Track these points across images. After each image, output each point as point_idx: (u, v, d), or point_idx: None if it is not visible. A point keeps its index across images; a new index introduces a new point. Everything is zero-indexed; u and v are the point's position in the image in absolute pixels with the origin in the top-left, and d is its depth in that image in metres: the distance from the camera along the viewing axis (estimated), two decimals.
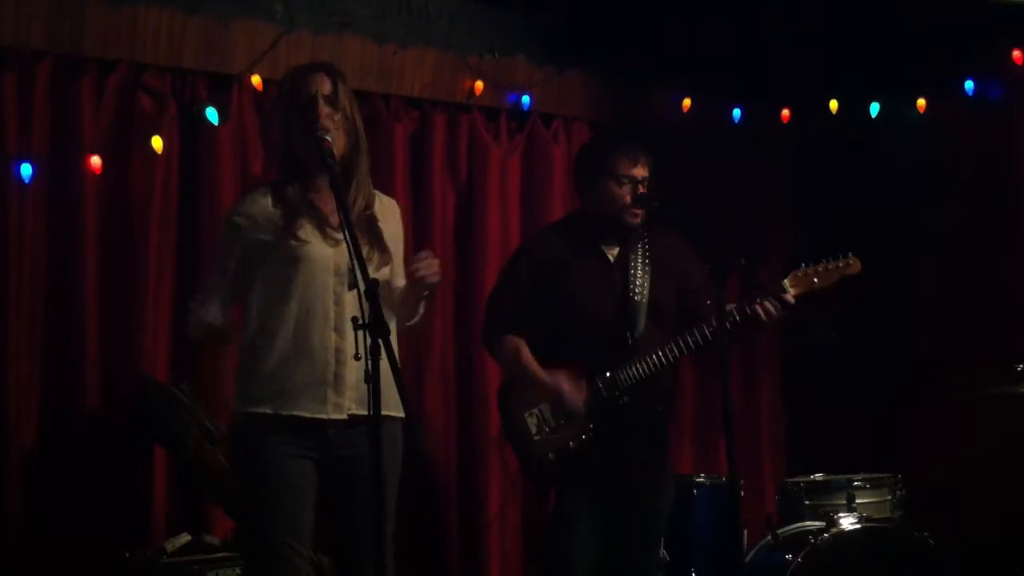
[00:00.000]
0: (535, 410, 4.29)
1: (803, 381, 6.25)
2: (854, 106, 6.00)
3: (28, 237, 4.61)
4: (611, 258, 4.39)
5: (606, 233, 4.39)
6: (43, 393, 4.62)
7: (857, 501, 4.81)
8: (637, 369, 4.25)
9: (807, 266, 4.32)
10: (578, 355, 4.28)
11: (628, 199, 4.30)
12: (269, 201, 3.58)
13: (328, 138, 3.47)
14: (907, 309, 6.00)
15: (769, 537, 4.83)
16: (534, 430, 4.29)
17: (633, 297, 4.33)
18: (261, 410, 3.53)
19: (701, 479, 4.95)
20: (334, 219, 3.52)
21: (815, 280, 4.29)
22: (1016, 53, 5.53)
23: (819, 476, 5.03)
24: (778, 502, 5.09)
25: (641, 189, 4.30)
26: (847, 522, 4.71)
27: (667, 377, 4.36)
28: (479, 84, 5.47)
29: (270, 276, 3.56)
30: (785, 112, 6.07)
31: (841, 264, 4.32)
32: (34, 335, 4.62)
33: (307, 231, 3.54)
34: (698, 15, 5.72)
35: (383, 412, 3.20)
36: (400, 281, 3.72)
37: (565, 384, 4.23)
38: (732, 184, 6.22)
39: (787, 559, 4.64)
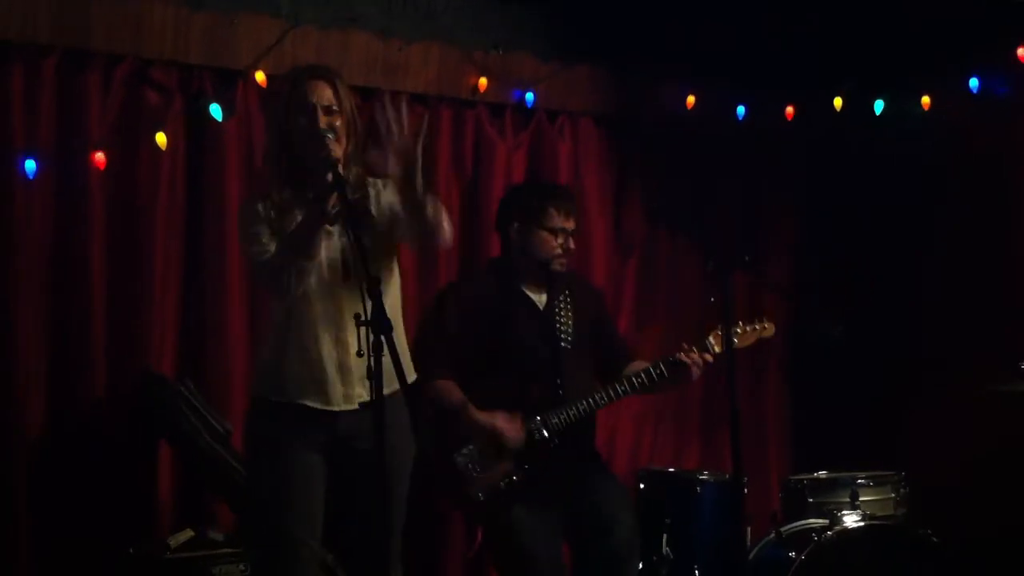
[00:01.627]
0: (465, 450, 4.36)
1: (807, 380, 6.26)
2: (857, 104, 6.00)
3: (35, 231, 4.62)
4: (540, 305, 4.57)
5: (532, 279, 4.58)
6: (49, 388, 4.63)
7: (861, 499, 4.79)
8: (568, 414, 4.42)
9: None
10: (508, 399, 4.39)
11: (560, 250, 4.54)
12: (262, 206, 3.60)
13: (330, 145, 3.45)
14: (907, 308, 6.00)
15: (773, 534, 4.83)
16: (464, 470, 4.36)
17: (562, 344, 4.52)
18: (272, 397, 3.58)
19: (705, 476, 4.95)
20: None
21: (735, 341, 4.51)
22: (1021, 51, 5.52)
23: (823, 474, 5.04)
24: (782, 499, 5.09)
25: (571, 240, 4.57)
26: (851, 520, 4.71)
27: (593, 418, 4.57)
28: (483, 80, 5.47)
29: None
30: (789, 110, 6.07)
31: (759, 327, 4.69)
32: (40, 330, 4.62)
33: None
34: (703, 12, 5.72)
35: (390, 389, 3.23)
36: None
37: (500, 421, 4.34)
38: (736, 180, 6.22)
39: (790, 556, 4.64)
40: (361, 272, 3.17)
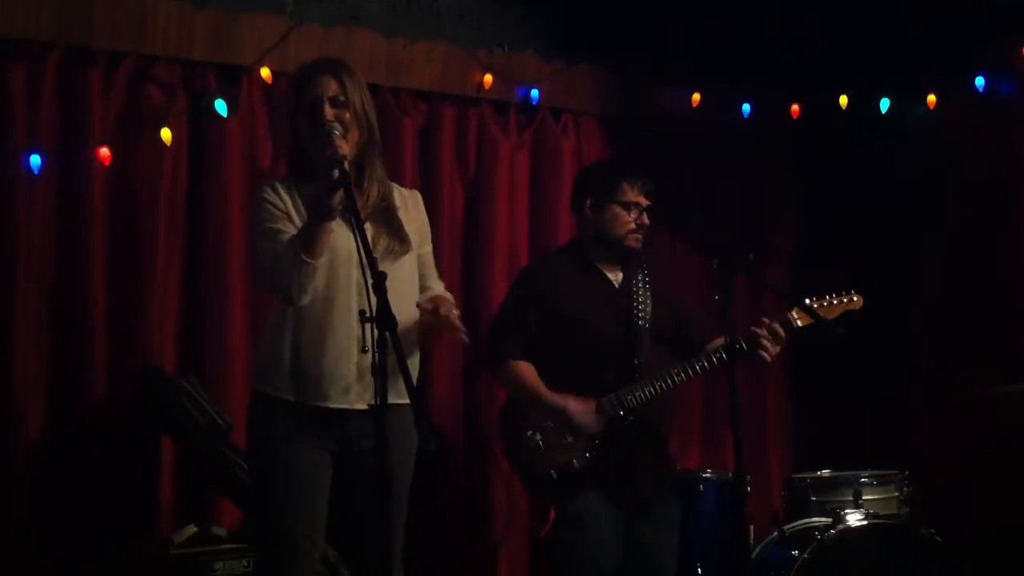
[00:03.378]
0: (538, 429, 4.34)
1: (809, 379, 6.26)
2: (860, 103, 6.00)
3: (36, 228, 4.61)
4: (615, 283, 4.50)
5: (608, 257, 4.51)
6: (50, 384, 4.62)
7: (864, 498, 4.80)
8: (644, 391, 4.35)
9: (812, 300, 4.47)
10: (584, 378, 4.34)
11: (633, 225, 4.45)
12: (287, 194, 3.58)
13: (335, 142, 3.43)
14: (907, 309, 6.01)
15: (775, 533, 4.83)
16: (537, 449, 4.33)
17: (637, 322, 4.44)
18: (283, 395, 3.55)
19: (707, 475, 4.94)
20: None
21: (820, 314, 4.42)
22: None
23: (826, 472, 5.04)
24: (785, 498, 5.09)
25: (645, 216, 4.47)
26: (854, 518, 4.71)
27: (669, 398, 4.47)
28: (488, 78, 5.47)
29: None
30: (795, 107, 6.07)
31: (845, 299, 4.51)
32: (42, 326, 4.62)
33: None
34: (705, 12, 5.73)
35: (400, 400, 3.22)
36: (430, 274, 3.81)
37: (572, 403, 4.30)
38: (736, 180, 6.23)
39: (793, 555, 4.64)
40: (367, 268, 3.15)
